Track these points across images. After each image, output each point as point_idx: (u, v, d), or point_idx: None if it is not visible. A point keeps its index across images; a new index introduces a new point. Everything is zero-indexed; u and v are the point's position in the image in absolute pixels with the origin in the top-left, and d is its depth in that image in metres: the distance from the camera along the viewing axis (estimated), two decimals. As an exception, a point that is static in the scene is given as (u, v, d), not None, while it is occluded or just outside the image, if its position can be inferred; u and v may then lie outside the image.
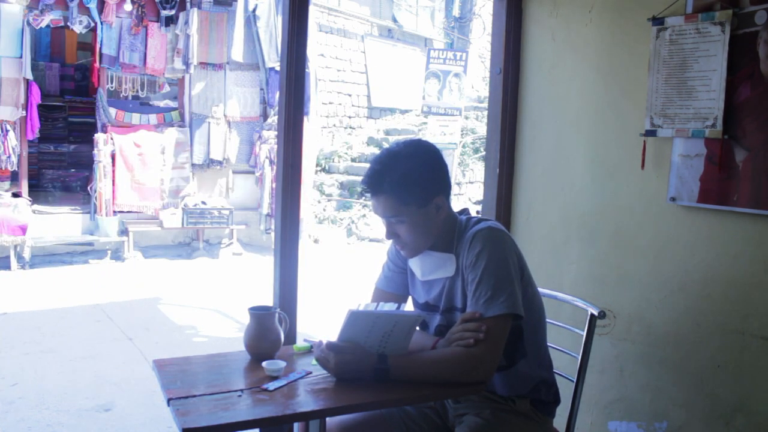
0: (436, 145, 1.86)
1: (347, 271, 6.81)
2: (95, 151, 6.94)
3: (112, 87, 7.40)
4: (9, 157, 6.47)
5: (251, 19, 7.53)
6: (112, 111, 7.28)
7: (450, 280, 1.82)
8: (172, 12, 7.22)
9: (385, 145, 10.19)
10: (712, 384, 2.13)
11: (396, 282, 1.96)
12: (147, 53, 7.23)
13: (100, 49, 7.08)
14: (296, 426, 2.17)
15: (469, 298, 1.72)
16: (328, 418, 1.75)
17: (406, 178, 1.72)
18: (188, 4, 7.25)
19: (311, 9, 2.48)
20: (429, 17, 14.27)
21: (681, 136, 2.15)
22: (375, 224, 8.51)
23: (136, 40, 7.18)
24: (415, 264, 1.88)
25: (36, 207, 6.85)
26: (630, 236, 2.35)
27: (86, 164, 7.83)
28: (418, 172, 1.74)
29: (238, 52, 7.54)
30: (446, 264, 1.81)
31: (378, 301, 1.89)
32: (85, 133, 8.27)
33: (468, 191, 9.42)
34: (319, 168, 10.19)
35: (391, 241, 1.97)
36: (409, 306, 1.93)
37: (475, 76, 13.67)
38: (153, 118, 7.52)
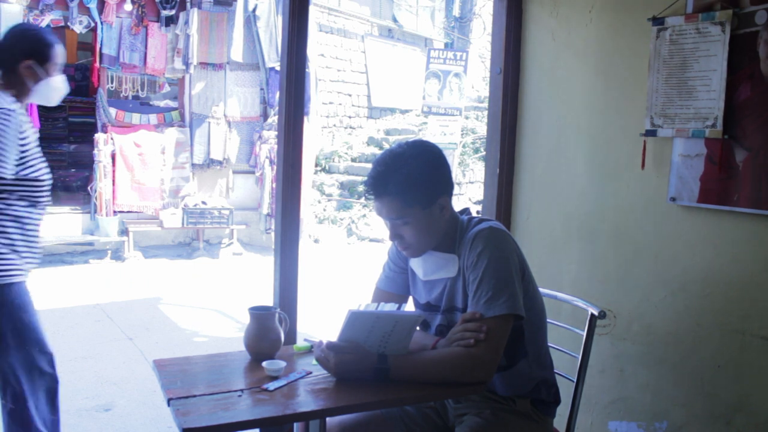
0: (437, 145, 1.86)
1: (347, 271, 6.81)
2: (95, 151, 6.94)
3: (112, 87, 7.40)
4: (9, 157, 6.47)
5: (251, 19, 7.53)
6: (112, 111, 7.28)
7: (451, 280, 1.82)
8: (172, 12, 7.22)
9: (386, 146, 10.17)
10: (712, 384, 2.13)
11: (397, 282, 1.96)
12: (147, 53, 7.23)
13: (100, 49, 7.08)
14: (296, 426, 2.17)
15: (469, 298, 1.72)
16: (328, 418, 1.75)
17: (410, 179, 1.72)
18: (188, 4, 7.25)
19: (311, 9, 2.47)
20: (429, 17, 14.27)
21: (681, 136, 2.15)
22: (375, 224, 8.51)
23: (136, 40, 7.18)
24: (416, 264, 1.88)
25: (36, 207, 6.84)
26: (630, 236, 2.35)
27: (86, 164, 7.83)
28: (422, 173, 1.74)
29: (238, 52, 7.54)
30: (448, 264, 1.81)
31: (379, 301, 1.89)
32: (85, 133, 8.26)
33: (468, 191, 9.41)
34: (319, 168, 10.19)
35: (392, 242, 1.97)
36: (409, 306, 1.93)
37: (475, 76, 13.67)
38: (153, 118, 7.52)
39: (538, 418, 1.87)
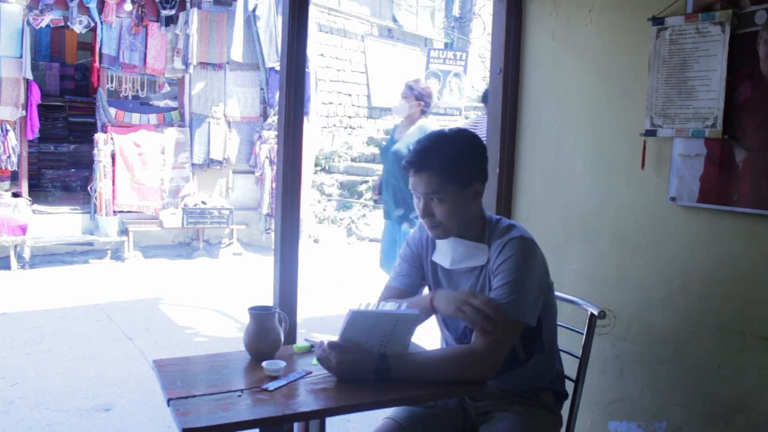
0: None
1: (347, 271, 6.80)
2: (95, 151, 6.93)
3: (112, 87, 7.39)
4: (9, 157, 6.46)
5: (251, 19, 7.53)
6: (112, 111, 7.27)
7: (479, 284, 1.83)
8: (172, 12, 7.22)
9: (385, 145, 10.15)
10: (712, 384, 2.13)
11: (411, 276, 1.98)
12: (147, 53, 7.22)
13: (100, 49, 7.07)
14: (296, 426, 2.17)
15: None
16: None
17: (453, 157, 1.77)
18: (188, 4, 7.24)
19: (311, 9, 2.48)
20: (429, 17, 14.27)
21: (681, 136, 2.15)
22: (375, 224, 8.50)
23: (136, 39, 7.17)
24: (444, 253, 1.89)
25: (36, 207, 6.84)
26: (630, 236, 2.35)
27: (86, 164, 7.82)
28: (464, 154, 1.79)
29: (238, 52, 7.54)
30: (478, 253, 1.83)
31: (391, 297, 1.90)
32: (85, 133, 8.25)
33: (468, 191, 9.38)
34: (319, 168, 10.18)
35: (404, 244, 1.99)
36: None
37: (475, 76, 13.67)
38: (153, 118, 7.51)
39: (557, 411, 1.90)
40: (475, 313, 1.67)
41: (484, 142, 2.11)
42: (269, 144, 7.36)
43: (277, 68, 7.25)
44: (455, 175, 1.77)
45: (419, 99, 4.47)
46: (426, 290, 2.02)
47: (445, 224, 1.81)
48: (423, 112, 4.55)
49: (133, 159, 7.13)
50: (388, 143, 4.73)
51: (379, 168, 9.85)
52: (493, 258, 1.79)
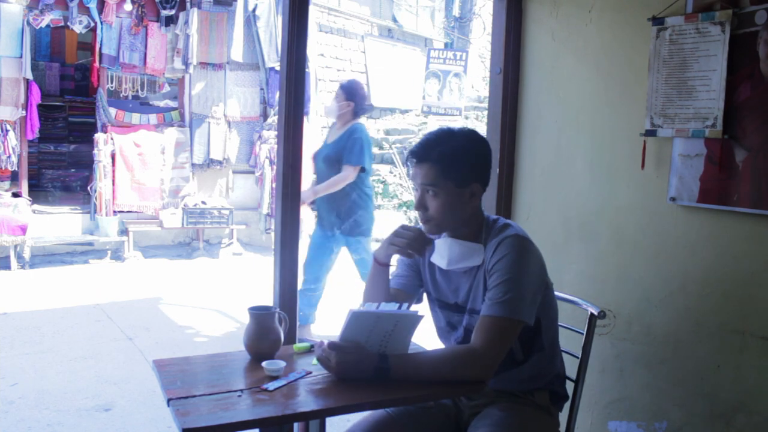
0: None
1: (347, 271, 6.80)
2: (95, 151, 6.93)
3: (112, 87, 7.39)
4: (9, 157, 6.46)
5: (251, 19, 7.53)
6: (112, 111, 7.27)
7: (476, 282, 1.83)
8: (172, 12, 7.22)
9: (386, 146, 10.15)
10: (712, 384, 2.13)
11: (409, 280, 1.99)
12: (147, 53, 7.22)
13: (100, 49, 7.07)
14: (296, 426, 2.17)
15: (486, 297, 1.74)
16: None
17: (454, 154, 1.78)
18: (188, 4, 7.24)
19: (311, 9, 2.48)
20: (429, 17, 14.27)
21: (681, 136, 2.15)
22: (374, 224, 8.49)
23: (136, 39, 7.17)
24: (441, 254, 1.89)
25: (36, 207, 6.84)
26: (630, 236, 2.35)
27: (86, 164, 7.82)
28: (467, 153, 1.80)
29: (238, 52, 7.54)
30: (474, 254, 1.83)
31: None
32: (85, 133, 8.25)
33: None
34: (319, 168, 10.17)
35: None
36: (419, 308, 1.93)
37: (475, 76, 13.67)
38: (153, 118, 7.51)
39: (553, 412, 1.89)
40: (405, 243, 1.80)
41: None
42: (269, 144, 7.36)
43: (277, 68, 7.25)
44: (453, 172, 1.77)
45: (349, 99, 4.23)
46: (425, 295, 2.02)
47: (437, 219, 1.81)
48: (355, 114, 4.28)
49: (133, 159, 7.13)
50: (321, 147, 4.50)
51: (379, 168, 9.84)
52: (488, 257, 1.79)
